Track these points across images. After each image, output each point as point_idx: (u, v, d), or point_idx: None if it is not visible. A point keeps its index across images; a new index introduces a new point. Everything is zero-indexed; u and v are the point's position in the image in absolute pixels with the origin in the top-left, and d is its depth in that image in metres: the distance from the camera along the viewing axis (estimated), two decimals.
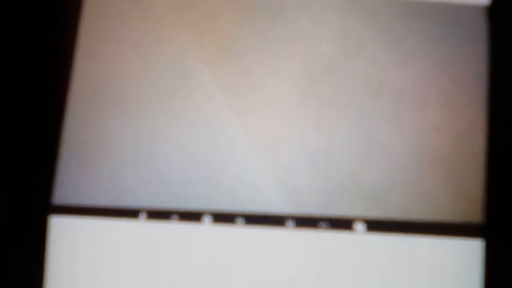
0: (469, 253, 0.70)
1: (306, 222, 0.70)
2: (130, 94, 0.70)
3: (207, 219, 0.70)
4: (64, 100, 0.69)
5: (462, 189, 0.71)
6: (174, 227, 0.69)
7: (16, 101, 0.68)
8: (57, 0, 0.69)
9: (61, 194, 0.69)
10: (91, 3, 0.71)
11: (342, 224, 0.70)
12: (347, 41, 0.72)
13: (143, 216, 0.69)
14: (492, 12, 0.72)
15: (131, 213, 0.69)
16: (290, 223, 0.70)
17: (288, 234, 0.70)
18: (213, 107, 0.71)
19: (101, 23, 0.71)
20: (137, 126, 0.70)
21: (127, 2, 0.71)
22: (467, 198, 0.71)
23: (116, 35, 0.71)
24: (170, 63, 0.71)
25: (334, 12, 0.73)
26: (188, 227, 0.69)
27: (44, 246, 0.68)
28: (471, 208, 0.71)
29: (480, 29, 0.72)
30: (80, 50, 0.70)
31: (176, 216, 0.69)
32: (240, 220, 0.70)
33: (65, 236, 0.69)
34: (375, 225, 0.70)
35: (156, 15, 0.71)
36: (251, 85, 0.71)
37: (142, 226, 0.69)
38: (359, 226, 0.70)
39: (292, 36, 0.72)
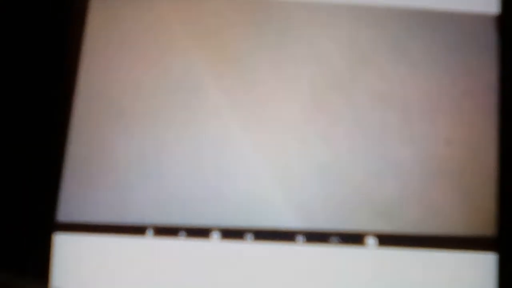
0: (482, 267, 0.69)
1: (316, 237, 0.69)
2: (136, 109, 0.69)
3: (215, 235, 0.68)
4: (68, 115, 0.68)
5: (474, 202, 0.70)
6: (181, 243, 0.68)
7: (19, 117, 0.66)
8: (60, 12, 0.68)
9: (66, 211, 0.67)
10: (95, 15, 0.70)
11: (354, 238, 0.69)
12: (355, 55, 0.71)
13: (150, 232, 0.68)
14: (501, 21, 0.72)
15: (137, 229, 0.68)
16: (300, 238, 0.69)
17: (299, 250, 0.68)
18: (220, 122, 0.70)
19: (105, 36, 0.70)
20: (143, 141, 0.69)
21: (133, 15, 0.70)
22: (480, 211, 0.70)
23: (121, 48, 0.70)
24: (177, 76, 0.70)
25: (342, 26, 0.72)
26: (196, 244, 0.68)
27: (49, 264, 0.66)
28: (483, 221, 0.69)
29: (489, 38, 0.72)
30: (84, 65, 0.69)
31: (183, 233, 0.68)
32: (249, 236, 0.68)
33: (70, 254, 0.67)
34: (387, 240, 0.69)
35: (163, 28, 0.70)
36: (258, 99, 0.70)
37: (149, 243, 0.67)
38: (371, 241, 0.69)
39: (300, 50, 0.71)
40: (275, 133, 0.70)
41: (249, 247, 0.68)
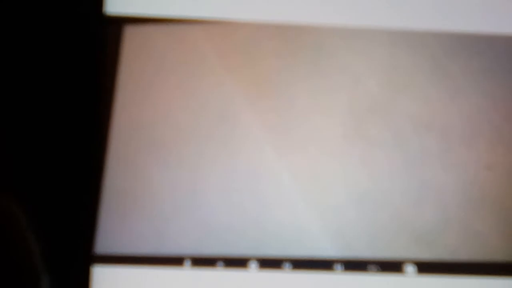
0: None
1: (355, 265, 0.68)
2: (171, 139, 0.68)
3: (253, 265, 0.68)
4: (104, 147, 0.67)
5: None
6: (219, 274, 0.67)
7: (56, 149, 0.66)
8: (95, 43, 0.67)
9: (104, 243, 0.67)
10: (129, 45, 0.68)
11: (392, 266, 0.68)
12: (393, 76, 0.70)
13: (187, 263, 0.67)
14: None
15: (175, 260, 0.67)
16: (338, 266, 0.68)
17: (337, 278, 0.68)
18: (255, 147, 0.69)
19: (140, 65, 0.69)
20: (178, 171, 0.68)
21: (167, 44, 0.69)
22: None
23: (156, 77, 0.69)
24: (211, 105, 0.69)
25: (380, 46, 0.70)
26: (234, 274, 0.67)
27: None
28: None
29: None
30: (119, 95, 0.68)
31: (221, 263, 0.67)
32: (287, 265, 0.68)
33: (109, 286, 0.67)
34: (426, 267, 0.68)
35: (197, 57, 0.69)
36: (293, 123, 0.69)
37: (186, 274, 0.67)
38: (410, 269, 0.68)
39: (336, 72, 0.70)
40: (310, 158, 0.69)
41: (287, 276, 0.68)
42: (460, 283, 0.68)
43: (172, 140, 0.68)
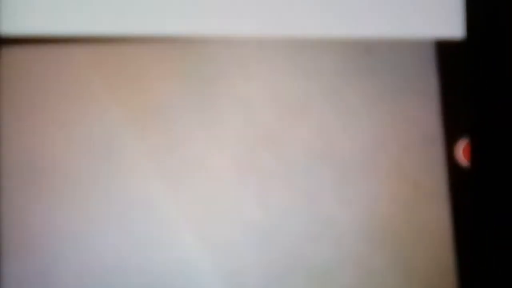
0: None
1: None
2: (50, 176, 0.64)
3: None
4: None
5: (414, 265, 0.65)
6: None
7: None
8: None
9: None
10: (4, 73, 0.64)
11: None
12: (286, 104, 0.66)
13: None
14: (467, 47, 0.65)
15: None
16: None
17: None
18: (143, 182, 0.65)
19: (15, 96, 0.64)
20: (58, 210, 0.63)
21: (48, 70, 0.64)
22: (420, 275, 0.65)
23: (35, 106, 0.64)
24: (94, 135, 0.64)
25: (271, 72, 0.66)
26: None
27: None
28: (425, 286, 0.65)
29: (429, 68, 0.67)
30: None
31: None
32: None
33: None
34: None
35: (80, 82, 0.65)
36: (183, 156, 0.65)
37: None
38: None
39: (226, 100, 0.66)
40: (201, 192, 0.65)
41: None
42: None
43: (52, 178, 0.64)
